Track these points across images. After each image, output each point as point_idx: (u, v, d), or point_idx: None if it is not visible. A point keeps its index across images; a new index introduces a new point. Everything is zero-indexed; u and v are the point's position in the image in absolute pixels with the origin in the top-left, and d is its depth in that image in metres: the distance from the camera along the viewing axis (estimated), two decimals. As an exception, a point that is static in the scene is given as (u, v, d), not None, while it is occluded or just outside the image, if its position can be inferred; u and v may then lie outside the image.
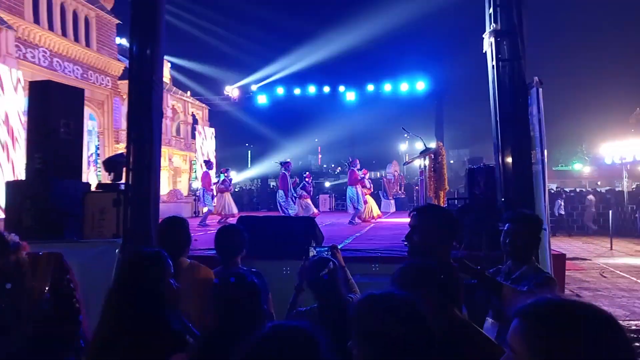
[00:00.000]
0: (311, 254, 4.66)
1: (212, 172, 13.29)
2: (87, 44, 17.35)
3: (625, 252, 13.25)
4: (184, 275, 2.84)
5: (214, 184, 12.60)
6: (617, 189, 23.76)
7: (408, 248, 2.44)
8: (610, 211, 16.30)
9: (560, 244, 14.51)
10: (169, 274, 2.20)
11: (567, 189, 24.76)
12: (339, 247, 3.32)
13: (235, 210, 12.41)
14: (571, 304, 0.96)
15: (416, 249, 2.35)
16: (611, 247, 13.78)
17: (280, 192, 11.89)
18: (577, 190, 24.27)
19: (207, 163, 13.24)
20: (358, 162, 11.69)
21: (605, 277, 9.48)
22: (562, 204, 19.37)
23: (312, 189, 14.55)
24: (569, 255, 10.57)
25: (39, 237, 5.82)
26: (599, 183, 36.58)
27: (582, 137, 44.92)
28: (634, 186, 23.69)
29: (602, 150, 34.61)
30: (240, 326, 2.03)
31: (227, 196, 12.40)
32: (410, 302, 1.39)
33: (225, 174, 12.82)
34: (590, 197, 19.86)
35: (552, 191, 21.66)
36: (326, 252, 3.21)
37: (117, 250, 5.13)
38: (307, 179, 14.07)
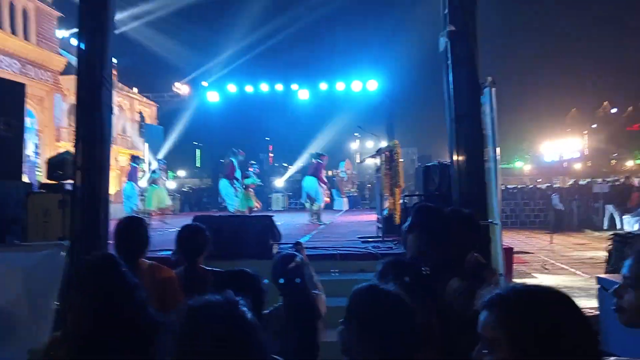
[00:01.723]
0: (275, 251, 4.63)
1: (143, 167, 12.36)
2: (26, 37, 16.43)
3: (564, 246, 14.00)
4: (143, 277, 2.74)
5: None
6: (554, 186, 25.06)
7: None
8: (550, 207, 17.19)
9: (504, 239, 15.17)
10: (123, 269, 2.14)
11: (510, 186, 25.86)
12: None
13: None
14: (533, 288, 1.07)
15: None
16: (551, 241, 14.51)
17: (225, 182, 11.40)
18: (519, 187, 25.41)
19: (135, 158, 12.05)
20: (326, 159, 11.36)
21: (547, 269, 9.98)
22: (559, 198, 19.36)
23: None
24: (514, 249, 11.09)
25: (-23, 241, 5.48)
26: (539, 180, 38.44)
27: (523, 136, 47.04)
28: (570, 182, 25.05)
29: (542, 148, 36.47)
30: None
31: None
32: (401, 297, 1.45)
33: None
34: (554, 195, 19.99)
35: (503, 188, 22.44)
36: (291, 249, 3.20)
37: (63, 253, 4.90)
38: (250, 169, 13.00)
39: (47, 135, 17.29)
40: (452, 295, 2.45)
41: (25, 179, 14.65)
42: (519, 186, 26.67)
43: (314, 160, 11.18)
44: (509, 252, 5.70)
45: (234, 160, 11.31)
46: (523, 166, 45.55)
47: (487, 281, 2.72)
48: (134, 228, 2.89)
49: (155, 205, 11.02)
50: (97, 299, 1.99)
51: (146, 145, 20.54)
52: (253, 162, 12.08)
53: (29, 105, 16.58)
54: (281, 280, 2.55)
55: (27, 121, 15.34)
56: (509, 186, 26.13)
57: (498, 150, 4.49)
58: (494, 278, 2.86)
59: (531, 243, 14.82)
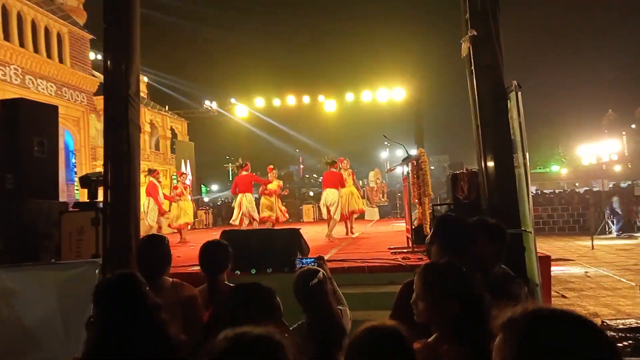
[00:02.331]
0: (297, 265, 4.59)
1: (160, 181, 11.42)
2: (60, 60, 17.01)
3: (607, 251, 13.45)
4: (166, 295, 2.74)
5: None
6: (594, 189, 24.22)
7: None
8: (590, 211, 16.59)
9: (543, 246, 14.72)
10: (143, 289, 2.13)
11: (546, 191, 25.14)
12: (325, 258, 3.27)
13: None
14: (551, 312, 0.97)
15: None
16: (592, 246, 13.96)
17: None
18: (556, 191, 24.67)
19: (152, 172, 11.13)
20: (343, 161, 10.11)
21: (589, 277, 9.58)
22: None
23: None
24: (552, 257, 10.70)
25: (12, 260, 5.63)
26: (577, 184, 37.24)
27: (558, 140, 45.79)
28: (610, 186, 24.15)
29: (579, 151, 35.35)
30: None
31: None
32: (402, 337, 1.41)
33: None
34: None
35: (531, 194, 21.87)
36: (312, 264, 3.15)
37: (97, 271, 4.98)
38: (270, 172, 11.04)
39: (83, 154, 17.81)
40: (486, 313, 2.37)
41: (64, 198, 15.11)
42: (556, 190, 25.93)
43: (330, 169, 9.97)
44: (546, 260, 5.47)
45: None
46: (560, 170, 44.25)
47: (515, 295, 2.61)
48: (155, 246, 2.89)
49: (174, 221, 10.78)
50: (115, 318, 1.99)
51: (182, 160, 20.93)
52: (271, 165, 11.06)
53: (66, 126, 17.18)
54: (298, 295, 2.50)
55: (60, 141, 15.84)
56: (545, 191, 25.43)
57: (527, 155, 4.33)
58: (524, 292, 2.73)
59: (571, 249, 14.30)
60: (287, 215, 11.47)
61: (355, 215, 10.17)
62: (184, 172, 12.29)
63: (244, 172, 10.26)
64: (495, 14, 4.36)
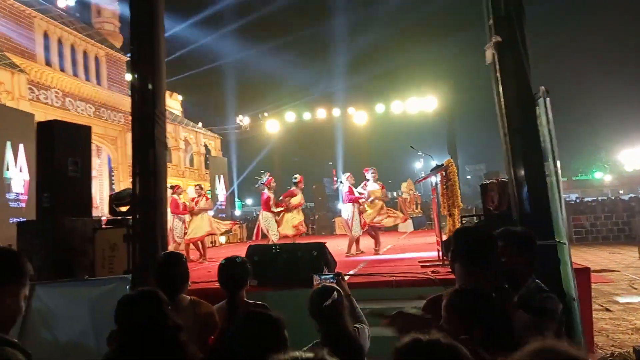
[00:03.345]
0: (315, 282, 4.50)
1: (182, 196, 11.20)
2: (98, 82, 17.74)
3: (655, 261, 12.77)
4: (185, 313, 2.74)
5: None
6: (640, 196, 23.20)
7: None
8: (636, 219, 15.83)
9: (585, 256, 14.09)
10: (164, 308, 2.12)
11: (588, 198, 24.23)
12: (351, 272, 3.20)
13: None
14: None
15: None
16: (639, 256, 13.29)
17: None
18: (599, 199, 23.75)
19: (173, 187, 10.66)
20: (348, 176, 9.40)
21: (635, 288, 9.09)
22: None
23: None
24: (595, 267, 10.20)
25: (48, 277, 5.79)
26: (621, 191, 35.75)
27: (599, 145, 44.19)
28: (657, 192, 23.07)
29: (622, 157, 34.00)
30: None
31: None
32: (455, 350, 1.27)
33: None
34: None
35: (572, 202, 21.14)
36: (332, 280, 3.08)
37: (127, 287, 5.05)
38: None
39: (121, 172, 18.38)
40: (521, 331, 2.20)
41: (98, 213, 15.52)
42: (599, 198, 24.96)
43: (340, 186, 9.67)
44: (585, 273, 5.21)
45: (264, 190, 10.17)
46: (603, 177, 42.64)
47: (551, 312, 2.46)
48: (173, 264, 2.90)
49: (190, 235, 10.34)
50: (133, 336, 1.99)
51: (216, 176, 21.24)
52: (296, 175, 10.18)
53: (105, 145, 17.78)
54: (312, 314, 2.44)
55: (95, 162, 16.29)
56: (586, 198, 24.50)
57: (559, 163, 4.15)
58: (559, 308, 2.58)
59: (616, 260, 13.63)
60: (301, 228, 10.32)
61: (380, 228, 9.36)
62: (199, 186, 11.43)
63: (265, 189, 10.07)
64: (520, 18, 4.23)
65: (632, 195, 25.61)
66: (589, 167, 43.84)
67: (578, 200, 23.04)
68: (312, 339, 2.56)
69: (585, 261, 11.26)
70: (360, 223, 8.74)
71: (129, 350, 1.99)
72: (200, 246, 10.41)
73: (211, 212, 11.19)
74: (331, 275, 3.21)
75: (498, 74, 4.34)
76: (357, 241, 9.02)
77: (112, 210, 6.24)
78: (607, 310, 7.35)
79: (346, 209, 9.02)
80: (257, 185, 11.06)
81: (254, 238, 9.79)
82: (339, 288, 2.59)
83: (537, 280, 2.61)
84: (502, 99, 4.36)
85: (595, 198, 24.87)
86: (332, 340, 2.38)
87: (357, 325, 2.58)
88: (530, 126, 4.24)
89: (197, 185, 11.39)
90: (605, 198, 24.74)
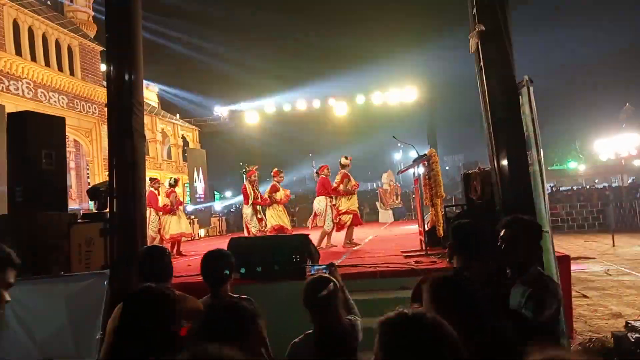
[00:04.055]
0: (308, 273, 4.47)
1: (162, 190, 10.96)
2: (72, 73, 17.24)
3: (628, 248, 13.09)
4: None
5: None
6: (613, 185, 23.73)
7: None
8: (610, 207, 16.21)
9: (562, 244, 14.37)
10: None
11: (563, 188, 24.70)
12: (335, 263, 3.15)
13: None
14: None
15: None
16: (613, 243, 13.62)
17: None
18: (574, 188, 24.24)
19: (152, 180, 10.53)
20: (326, 168, 9.31)
21: (610, 275, 9.30)
22: None
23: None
24: (571, 255, 10.40)
25: (23, 273, 5.61)
26: (596, 181, 36.57)
27: (574, 135, 45.10)
28: (630, 181, 23.63)
29: (596, 147, 34.74)
30: None
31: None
32: (439, 325, 1.26)
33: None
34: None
35: (548, 191, 21.46)
36: (324, 271, 3.02)
37: (105, 282, 4.92)
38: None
39: (96, 165, 17.98)
40: (518, 301, 2.38)
41: (73, 205, 15.13)
42: (574, 187, 25.46)
43: (315, 177, 9.53)
44: (565, 260, 5.28)
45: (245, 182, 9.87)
46: (577, 166, 43.54)
47: (554, 292, 2.52)
48: (157, 258, 2.81)
49: (167, 232, 10.13)
50: (136, 339, 1.83)
51: (194, 168, 20.95)
52: (280, 170, 9.97)
53: (79, 138, 17.34)
54: (307, 305, 2.39)
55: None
56: (562, 188, 24.98)
57: (542, 152, 4.17)
58: (560, 290, 2.64)
59: (591, 247, 13.95)
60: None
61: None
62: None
63: (246, 182, 9.79)
64: (504, 7, 4.21)
65: (606, 184, 26.20)
66: (564, 157, 44.68)
67: (554, 190, 23.45)
68: (298, 329, 2.52)
69: (561, 249, 11.45)
70: (333, 216, 8.66)
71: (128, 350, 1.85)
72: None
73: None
74: (324, 266, 3.16)
75: (481, 63, 4.32)
76: (330, 235, 8.89)
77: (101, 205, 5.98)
78: (584, 296, 7.50)
79: (319, 202, 8.93)
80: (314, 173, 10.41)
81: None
82: (334, 279, 2.54)
83: (538, 268, 2.66)
84: (485, 88, 4.34)
85: (570, 187, 25.34)
86: (325, 331, 2.33)
87: (349, 317, 2.53)
88: (513, 115, 4.24)
89: (172, 178, 11.19)
90: (580, 187, 25.25)
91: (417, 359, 1.16)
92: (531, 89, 4.07)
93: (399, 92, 20.06)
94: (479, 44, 4.29)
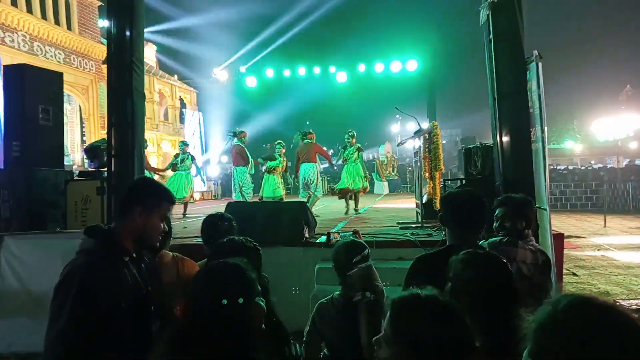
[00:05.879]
0: (334, 238, 4.52)
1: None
2: (69, 27, 16.81)
3: (619, 229, 13.24)
4: (167, 270, 2.65)
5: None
6: (609, 166, 23.82)
7: None
8: (604, 188, 16.31)
9: (554, 222, 14.50)
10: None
11: (560, 167, 24.78)
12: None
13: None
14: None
15: None
16: (605, 224, 13.76)
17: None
18: (570, 167, 24.31)
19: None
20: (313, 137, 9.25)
21: (601, 255, 9.42)
22: None
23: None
24: (564, 234, 10.51)
25: (19, 228, 5.61)
26: (592, 162, 36.68)
27: (573, 115, 44.94)
28: (625, 162, 23.72)
29: (594, 127, 34.69)
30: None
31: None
32: (452, 307, 1.27)
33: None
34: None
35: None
36: (351, 237, 3.00)
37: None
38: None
39: (92, 123, 17.77)
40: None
41: (70, 162, 14.99)
42: (570, 167, 25.55)
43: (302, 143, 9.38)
44: (559, 238, 5.33)
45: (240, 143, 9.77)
46: (574, 146, 43.57)
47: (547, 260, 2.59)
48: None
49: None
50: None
51: (191, 131, 20.79)
52: (279, 141, 10.19)
53: (75, 94, 17.08)
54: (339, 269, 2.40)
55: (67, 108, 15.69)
56: (558, 167, 25.07)
57: (546, 129, 4.14)
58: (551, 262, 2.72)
59: (583, 227, 14.09)
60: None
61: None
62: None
63: (237, 141, 9.73)
64: (518, -22, 4.10)
65: (602, 165, 26.29)
66: (562, 136, 44.65)
67: (550, 168, 23.52)
68: (296, 293, 2.53)
69: (554, 227, 11.57)
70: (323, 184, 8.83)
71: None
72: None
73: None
74: (350, 233, 3.17)
75: (491, 36, 4.24)
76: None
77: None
78: (574, 274, 7.61)
79: (310, 168, 8.96)
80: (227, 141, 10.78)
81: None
82: (367, 245, 2.54)
83: (535, 243, 2.71)
84: (493, 62, 4.28)
85: (566, 167, 25.43)
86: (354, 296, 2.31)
87: (377, 284, 2.50)
88: (520, 90, 4.19)
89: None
90: (576, 167, 25.32)
91: (430, 340, 1.17)
92: (540, 64, 4.00)
93: (401, 63, 19.76)
94: (490, 15, 4.20)
